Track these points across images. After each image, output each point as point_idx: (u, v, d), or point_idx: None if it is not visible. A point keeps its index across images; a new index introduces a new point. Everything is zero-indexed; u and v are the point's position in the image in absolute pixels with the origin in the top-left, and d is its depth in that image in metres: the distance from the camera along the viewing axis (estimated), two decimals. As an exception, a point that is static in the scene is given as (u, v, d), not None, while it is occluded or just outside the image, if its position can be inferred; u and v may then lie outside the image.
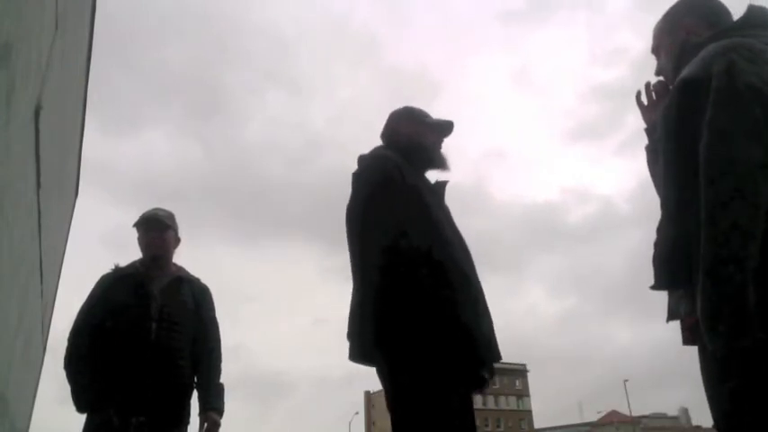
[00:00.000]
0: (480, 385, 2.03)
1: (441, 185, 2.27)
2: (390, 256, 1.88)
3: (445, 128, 2.37)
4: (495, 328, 2.08)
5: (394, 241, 1.89)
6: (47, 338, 6.10)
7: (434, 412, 1.82)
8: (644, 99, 1.91)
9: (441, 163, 2.31)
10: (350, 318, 2.01)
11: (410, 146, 2.25)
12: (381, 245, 1.90)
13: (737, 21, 1.63)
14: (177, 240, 3.04)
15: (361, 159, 2.21)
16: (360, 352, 1.96)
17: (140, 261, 2.96)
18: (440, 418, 1.82)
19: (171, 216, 3.04)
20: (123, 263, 2.99)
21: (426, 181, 2.25)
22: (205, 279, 3.11)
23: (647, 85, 1.90)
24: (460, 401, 1.93)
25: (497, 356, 2.04)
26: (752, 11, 1.64)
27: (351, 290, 2.04)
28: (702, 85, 1.45)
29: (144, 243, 2.95)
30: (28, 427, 5.76)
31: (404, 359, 1.84)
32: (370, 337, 1.89)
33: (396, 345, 1.85)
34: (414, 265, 1.88)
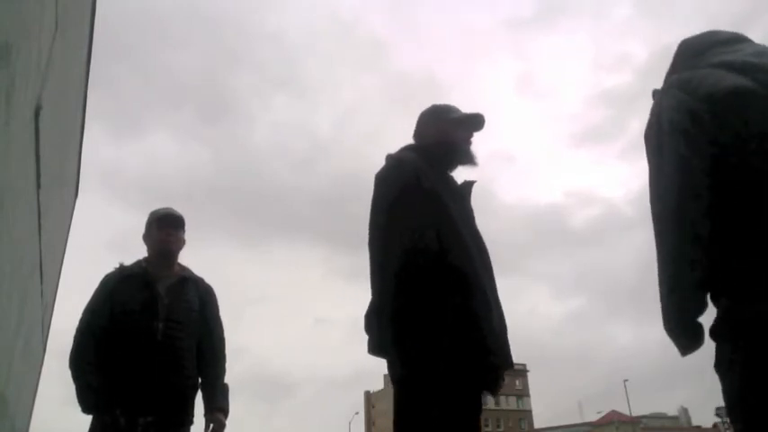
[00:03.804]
0: (491, 387, 2.06)
1: (467, 185, 2.26)
2: (407, 260, 1.91)
3: (474, 122, 2.33)
4: (507, 335, 2.10)
5: (410, 246, 1.92)
6: (47, 338, 6.11)
7: (441, 409, 1.86)
8: None
9: (468, 159, 2.29)
10: (367, 315, 2.04)
11: (435, 146, 2.25)
12: (398, 249, 1.93)
13: (672, 62, 1.68)
14: (184, 242, 3.06)
15: (386, 161, 2.22)
16: (377, 344, 2.00)
17: (146, 260, 2.96)
18: (445, 415, 1.87)
19: (183, 217, 3.06)
20: (127, 262, 2.98)
21: (451, 181, 2.25)
22: (211, 280, 3.11)
23: None
24: (467, 401, 1.97)
25: (508, 363, 2.07)
26: (680, 46, 1.69)
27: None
28: (650, 132, 1.56)
29: (156, 239, 2.94)
30: (28, 427, 5.77)
31: (416, 359, 1.87)
32: (387, 334, 1.92)
33: (409, 345, 1.88)
34: (429, 269, 1.91)
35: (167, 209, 3.03)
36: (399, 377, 1.94)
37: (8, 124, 1.96)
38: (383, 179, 2.13)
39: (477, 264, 2.05)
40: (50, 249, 4.66)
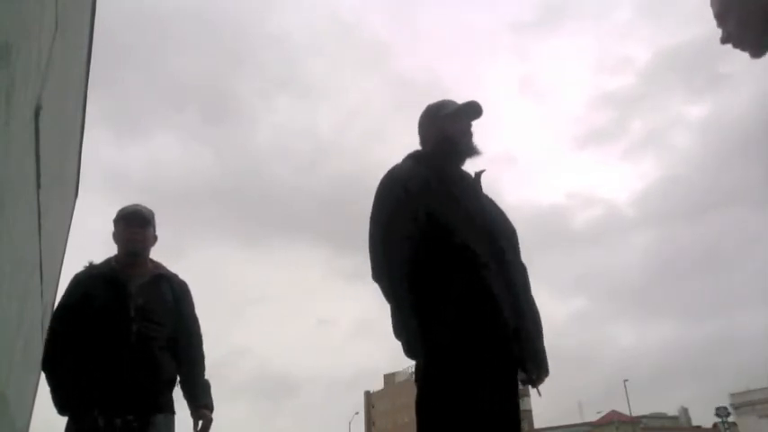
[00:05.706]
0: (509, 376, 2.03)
1: (477, 176, 2.28)
2: (409, 268, 1.98)
3: (468, 112, 2.32)
4: (542, 333, 2.15)
5: (407, 258, 1.99)
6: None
7: (464, 403, 1.87)
8: None
9: (470, 151, 2.29)
10: (393, 326, 2.05)
11: (437, 147, 2.29)
12: (398, 260, 2.00)
13: None
14: (155, 238, 2.98)
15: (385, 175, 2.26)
16: (409, 351, 2.00)
17: (115, 258, 2.89)
18: (467, 409, 1.87)
19: (151, 213, 2.97)
20: (97, 261, 2.91)
21: (464, 176, 2.28)
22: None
23: None
24: (488, 394, 1.95)
25: (540, 362, 2.10)
26: None
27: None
28: None
29: (123, 238, 2.87)
30: (28, 427, 5.77)
31: (439, 357, 1.91)
32: (414, 336, 1.95)
33: (432, 345, 1.91)
34: (434, 271, 1.99)
35: (134, 206, 2.95)
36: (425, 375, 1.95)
37: (8, 124, 1.96)
38: (377, 198, 2.17)
39: (487, 257, 2.07)
40: (50, 249, 4.66)
